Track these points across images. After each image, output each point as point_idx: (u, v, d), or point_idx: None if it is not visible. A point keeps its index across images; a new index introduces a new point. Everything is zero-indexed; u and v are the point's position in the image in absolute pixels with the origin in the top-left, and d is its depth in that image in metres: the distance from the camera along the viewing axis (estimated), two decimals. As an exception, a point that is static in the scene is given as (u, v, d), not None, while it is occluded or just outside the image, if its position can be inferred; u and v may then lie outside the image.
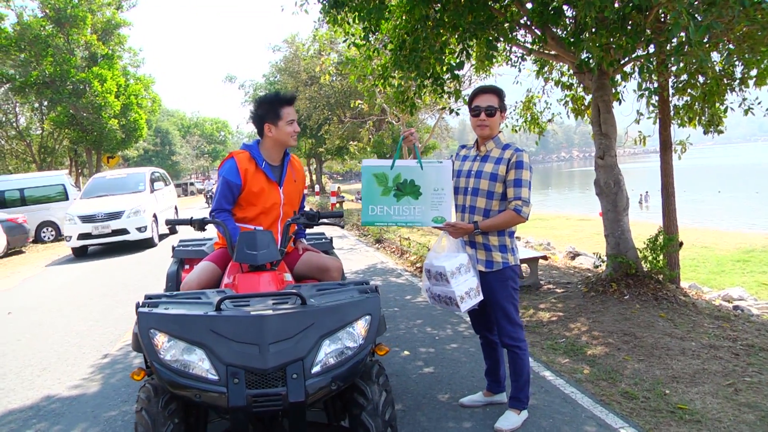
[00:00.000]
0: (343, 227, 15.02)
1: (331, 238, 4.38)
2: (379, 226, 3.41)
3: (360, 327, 2.48)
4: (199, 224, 3.20)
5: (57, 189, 17.22)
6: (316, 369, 2.33)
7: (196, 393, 2.28)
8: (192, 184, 57.13)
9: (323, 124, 24.91)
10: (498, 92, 3.35)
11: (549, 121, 8.76)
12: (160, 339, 2.34)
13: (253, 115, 3.29)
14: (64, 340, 6.00)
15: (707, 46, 5.34)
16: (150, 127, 33.71)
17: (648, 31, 5.62)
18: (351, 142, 22.62)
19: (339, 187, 28.02)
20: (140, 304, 2.49)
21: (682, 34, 4.68)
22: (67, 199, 16.74)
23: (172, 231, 15.87)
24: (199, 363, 2.29)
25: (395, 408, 2.71)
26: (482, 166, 3.34)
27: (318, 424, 2.86)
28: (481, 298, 3.31)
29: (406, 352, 4.92)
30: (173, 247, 4.14)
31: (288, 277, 3.06)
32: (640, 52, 5.98)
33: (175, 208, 16.45)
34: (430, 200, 3.24)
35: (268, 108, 3.21)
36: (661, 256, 6.24)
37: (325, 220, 3.36)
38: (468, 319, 5.71)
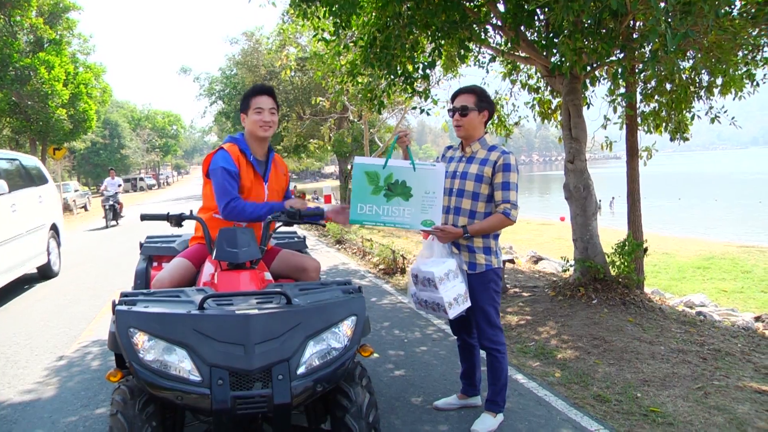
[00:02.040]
0: (325, 226, 14.74)
1: (304, 237, 4.26)
2: (367, 225, 3.32)
3: (346, 327, 2.43)
4: (176, 220, 3.04)
5: None
6: (301, 370, 2.27)
7: (177, 395, 2.19)
8: (142, 179, 55.28)
9: (281, 121, 24.45)
10: (475, 91, 3.34)
11: (516, 124, 8.79)
12: (140, 338, 2.24)
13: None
14: (12, 341, 5.62)
15: (678, 53, 5.44)
16: (99, 118, 32.23)
17: (620, 38, 5.68)
18: (310, 140, 22.30)
19: (295, 186, 27.51)
20: (117, 302, 2.38)
21: (657, 40, 4.73)
22: None
23: (45, 275, 8.71)
24: (181, 363, 2.21)
25: (378, 410, 2.65)
26: (467, 167, 3.33)
27: (299, 427, 2.77)
28: (468, 304, 3.29)
29: (376, 355, 4.84)
30: (141, 244, 4.00)
31: (268, 276, 2.99)
32: (611, 58, 6.04)
33: (54, 229, 9.10)
34: (421, 203, 3.19)
35: (243, 100, 3.22)
36: (629, 261, 6.32)
37: (309, 219, 3.23)
38: (437, 321, 5.68)
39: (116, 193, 17.85)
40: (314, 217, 3.20)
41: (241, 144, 3.20)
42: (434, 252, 3.27)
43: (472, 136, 3.34)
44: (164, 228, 12.64)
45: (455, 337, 3.73)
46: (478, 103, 3.30)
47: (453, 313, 3.18)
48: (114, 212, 17.59)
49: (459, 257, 3.34)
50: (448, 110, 3.37)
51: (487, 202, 3.31)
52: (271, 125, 3.17)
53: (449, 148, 3.61)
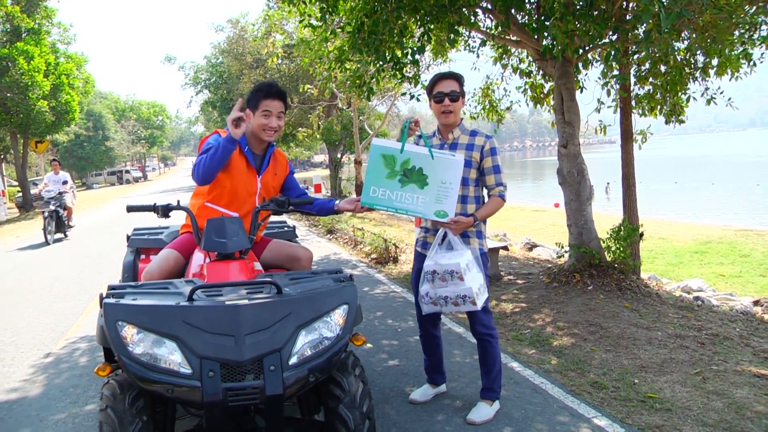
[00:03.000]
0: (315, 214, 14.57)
1: (294, 226, 4.21)
2: (379, 209, 3.30)
3: (337, 316, 2.42)
4: (163, 211, 2.99)
5: None
6: (293, 360, 2.26)
7: (168, 388, 2.18)
8: (128, 171, 54.63)
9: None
10: (458, 78, 3.39)
11: (507, 109, 8.70)
12: (129, 331, 2.22)
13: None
14: (-4, 339, 5.47)
15: (672, 34, 5.35)
16: (81, 110, 31.65)
17: (613, 19, 5.57)
18: (299, 129, 22.05)
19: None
20: (105, 295, 2.36)
21: (650, 21, 4.64)
22: None
23: None
24: (171, 356, 2.20)
25: (372, 400, 2.62)
26: (453, 153, 3.30)
27: (292, 418, 2.74)
28: (487, 294, 3.28)
29: (369, 345, 4.82)
30: (128, 236, 3.95)
31: (257, 266, 2.96)
32: (604, 40, 5.93)
33: None
34: (436, 192, 3.16)
35: (252, 95, 3.14)
36: (624, 246, 6.26)
37: (298, 207, 3.23)
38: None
39: (61, 193, 12.17)
40: (304, 206, 3.17)
41: None
42: (448, 244, 3.23)
43: (456, 121, 3.37)
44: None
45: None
46: (461, 88, 3.35)
47: (480, 303, 3.16)
48: (58, 221, 12.15)
49: (472, 248, 3.32)
50: (434, 96, 3.33)
51: (475, 186, 3.35)
52: (277, 130, 3.12)
53: (420, 137, 3.47)
